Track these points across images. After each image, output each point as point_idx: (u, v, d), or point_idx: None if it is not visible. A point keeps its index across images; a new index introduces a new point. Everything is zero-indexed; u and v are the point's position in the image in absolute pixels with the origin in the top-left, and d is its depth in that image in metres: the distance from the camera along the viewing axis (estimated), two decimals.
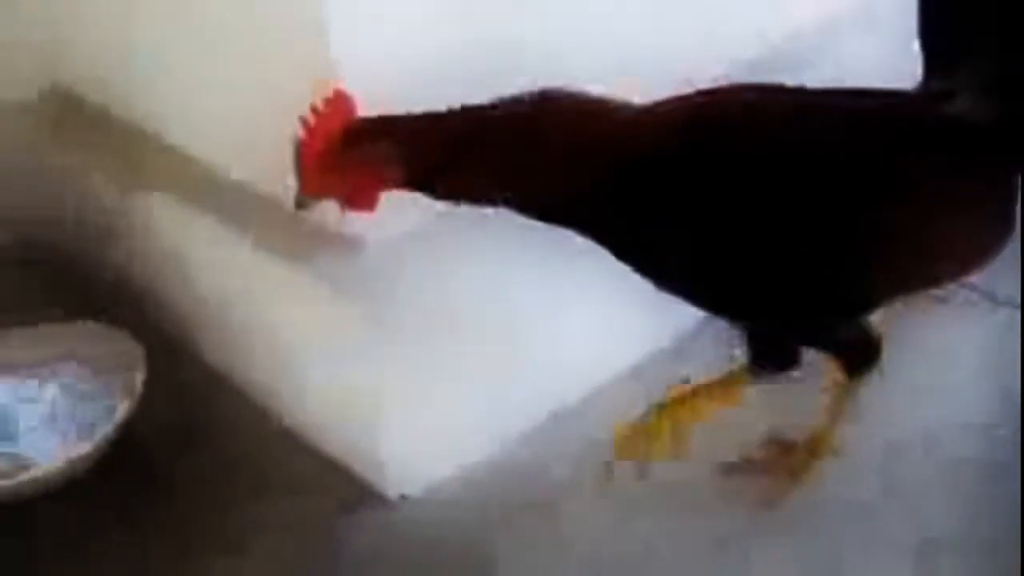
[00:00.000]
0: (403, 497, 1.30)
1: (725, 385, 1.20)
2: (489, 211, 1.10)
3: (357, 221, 1.15)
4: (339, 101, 1.06)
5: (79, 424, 1.39)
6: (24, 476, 1.32)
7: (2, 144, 1.66)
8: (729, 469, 1.24)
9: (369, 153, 1.06)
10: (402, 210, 1.13)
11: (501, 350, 1.29)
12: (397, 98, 1.08)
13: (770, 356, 1.18)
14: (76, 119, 1.64)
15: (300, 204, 1.08)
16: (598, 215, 1.08)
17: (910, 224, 1.09)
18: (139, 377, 1.38)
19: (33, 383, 1.45)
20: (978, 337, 1.38)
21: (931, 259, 1.13)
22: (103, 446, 1.34)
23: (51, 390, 1.44)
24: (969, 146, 1.11)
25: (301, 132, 1.06)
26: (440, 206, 1.10)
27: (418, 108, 1.08)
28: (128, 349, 1.42)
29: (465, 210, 1.10)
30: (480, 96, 1.08)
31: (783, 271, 1.09)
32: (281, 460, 1.35)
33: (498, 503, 1.27)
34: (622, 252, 1.10)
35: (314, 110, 1.06)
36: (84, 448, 1.33)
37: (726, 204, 1.07)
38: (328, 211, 1.12)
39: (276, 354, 1.38)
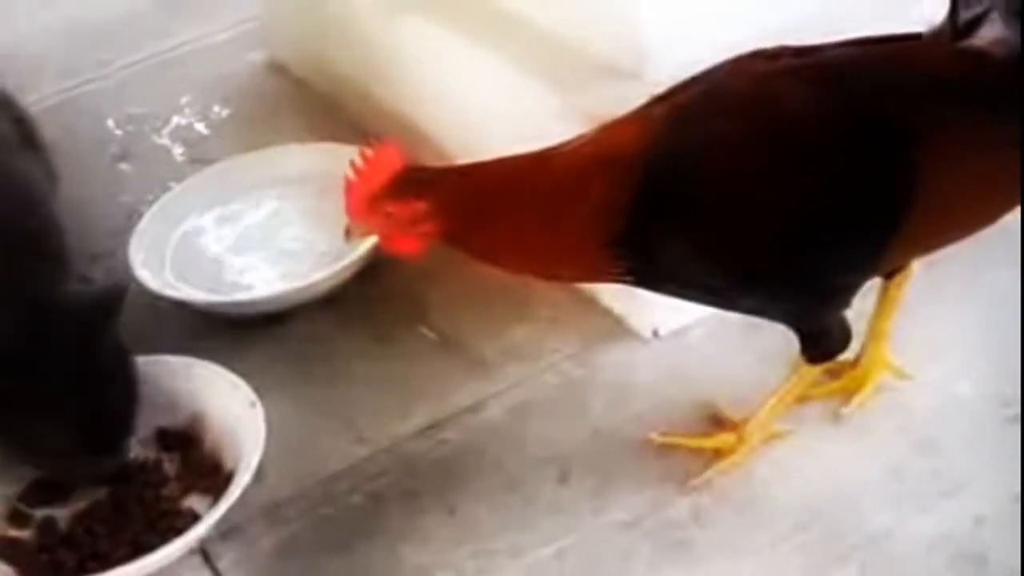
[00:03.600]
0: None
1: (796, 386, 1.22)
2: None
3: None
4: (388, 150, 1.11)
5: None
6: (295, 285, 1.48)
7: None
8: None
9: (407, 206, 1.11)
10: None
11: None
12: None
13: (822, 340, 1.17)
14: None
15: (347, 234, 1.16)
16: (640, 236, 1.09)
17: (939, 177, 1.06)
18: None
19: None
20: None
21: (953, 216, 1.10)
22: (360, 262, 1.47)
23: None
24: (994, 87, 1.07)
25: (350, 173, 1.12)
26: None
27: None
28: None
29: None
30: None
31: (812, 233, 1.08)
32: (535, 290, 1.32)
33: None
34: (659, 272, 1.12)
35: (363, 155, 1.11)
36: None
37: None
38: None
39: None
